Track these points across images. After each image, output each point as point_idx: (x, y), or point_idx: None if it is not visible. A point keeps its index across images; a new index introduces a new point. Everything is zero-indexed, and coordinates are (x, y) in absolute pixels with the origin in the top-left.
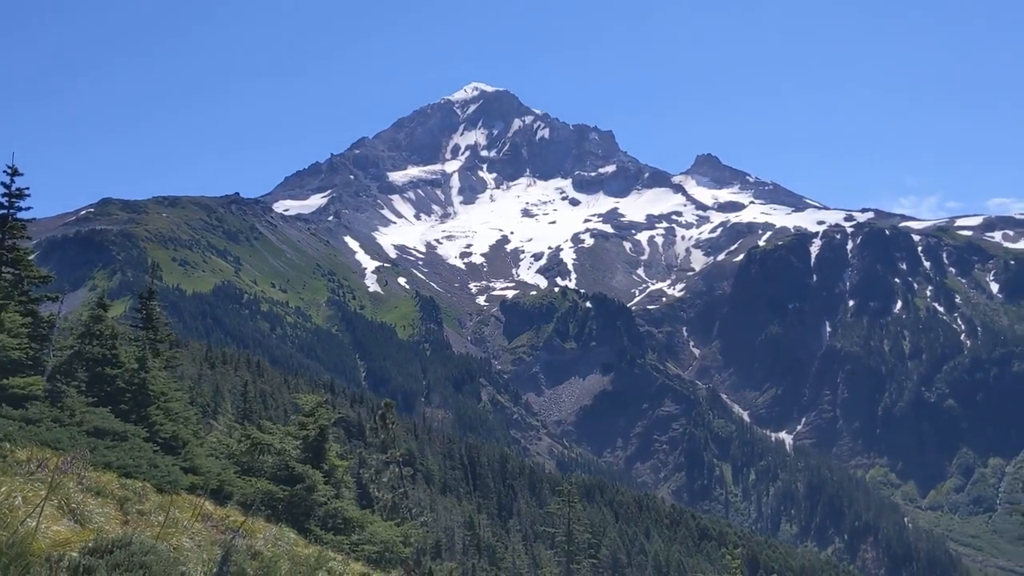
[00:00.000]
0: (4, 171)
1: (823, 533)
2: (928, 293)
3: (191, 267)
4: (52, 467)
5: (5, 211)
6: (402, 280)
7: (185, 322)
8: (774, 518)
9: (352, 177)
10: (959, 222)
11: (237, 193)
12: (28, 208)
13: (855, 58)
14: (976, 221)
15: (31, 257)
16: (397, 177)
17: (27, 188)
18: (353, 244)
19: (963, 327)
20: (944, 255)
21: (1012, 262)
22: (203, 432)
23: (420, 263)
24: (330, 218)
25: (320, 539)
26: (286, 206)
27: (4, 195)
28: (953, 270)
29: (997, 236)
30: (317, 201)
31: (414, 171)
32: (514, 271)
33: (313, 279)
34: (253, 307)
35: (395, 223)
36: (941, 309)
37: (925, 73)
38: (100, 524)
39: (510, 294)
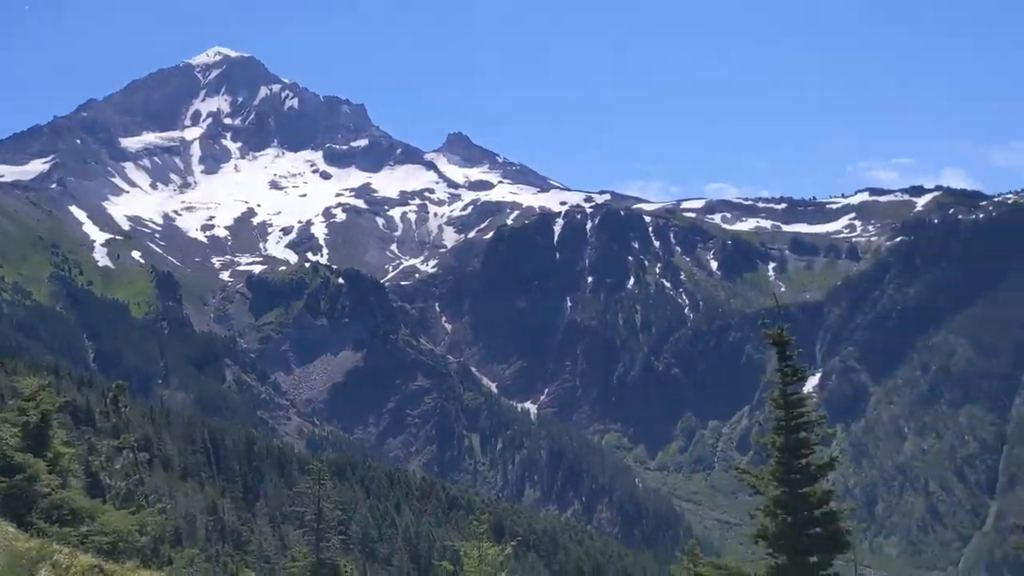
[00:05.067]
0: None
1: (564, 496)
2: (657, 270)
3: None
4: None
5: None
6: (136, 254)
7: None
8: (519, 484)
9: (79, 142)
10: (684, 205)
11: None
12: None
13: (593, 48)
14: (699, 204)
15: None
16: (130, 143)
17: None
18: (80, 214)
19: (687, 302)
20: (671, 235)
21: (729, 242)
22: None
23: (157, 236)
24: (53, 186)
25: (44, 532)
26: (0, 171)
27: None
28: (679, 249)
29: (717, 218)
30: (37, 167)
31: (150, 137)
32: (262, 245)
33: (33, 252)
34: None
35: (128, 192)
36: (668, 285)
37: (653, 66)
38: None
39: (257, 269)
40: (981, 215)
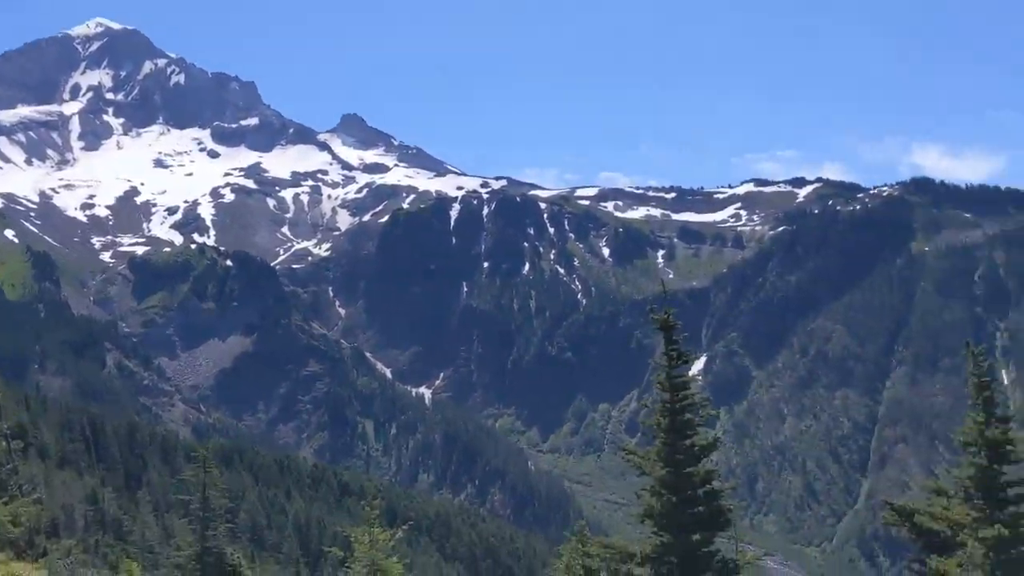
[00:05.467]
0: None
1: (457, 481)
2: (552, 256)
3: None
4: None
5: None
6: (9, 233)
7: None
8: (412, 470)
9: None
10: (578, 192)
11: None
12: None
13: (488, 35)
14: (592, 192)
15: None
16: (4, 116)
17: None
18: None
19: (580, 287)
20: (565, 222)
21: (621, 230)
22: None
23: (32, 214)
24: None
25: None
26: None
27: None
28: (572, 236)
29: (609, 206)
30: None
31: (25, 111)
32: (145, 226)
33: None
34: None
35: (1, 168)
36: (562, 271)
37: (541, 59)
38: None
39: (140, 250)
40: (858, 207)
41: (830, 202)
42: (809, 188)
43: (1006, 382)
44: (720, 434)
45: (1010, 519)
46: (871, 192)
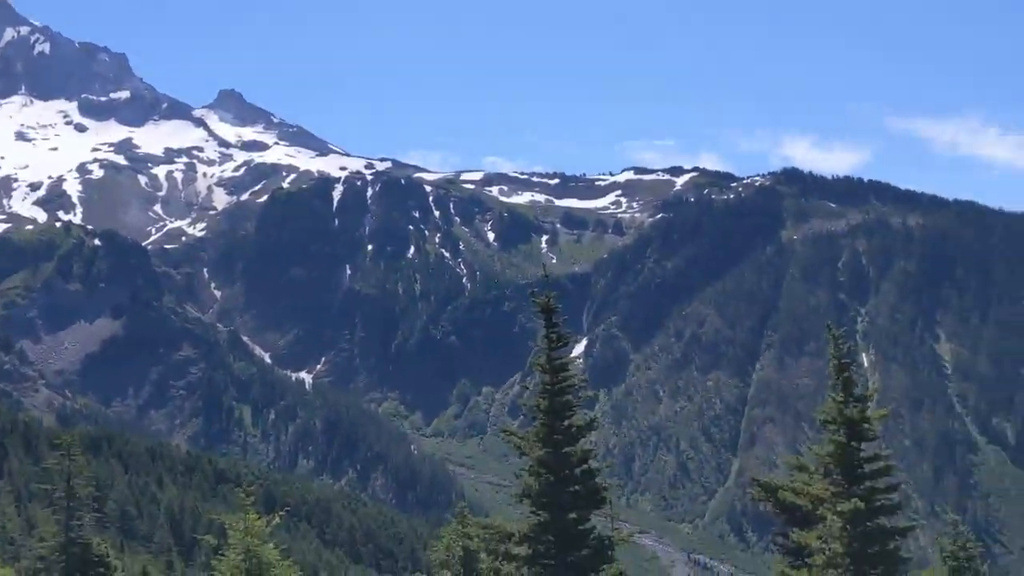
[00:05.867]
0: None
1: (338, 466)
2: (437, 240)
3: None
4: None
5: None
6: None
7: None
8: (292, 456)
9: None
10: (464, 176)
11: None
12: None
13: (369, 16)
14: (477, 176)
15: None
16: None
17: None
18: None
19: (465, 271)
20: (451, 206)
21: (506, 215)
22: None
23: None
24: None
25: None
26: None
27: None
28: (458, 219)
29: (494, 191)
30: None
31: None
32: (5, 202)
33: None
34: None
35: None
36: (447, 255)
37: (431, 43)
38: None
39: (0, 228)
40: (732, 196)
41: (705, 191)
42: (686, 177)
43: (866, 364)
44: (598, 415)
45: (866, 493)
46: (744, 182)
